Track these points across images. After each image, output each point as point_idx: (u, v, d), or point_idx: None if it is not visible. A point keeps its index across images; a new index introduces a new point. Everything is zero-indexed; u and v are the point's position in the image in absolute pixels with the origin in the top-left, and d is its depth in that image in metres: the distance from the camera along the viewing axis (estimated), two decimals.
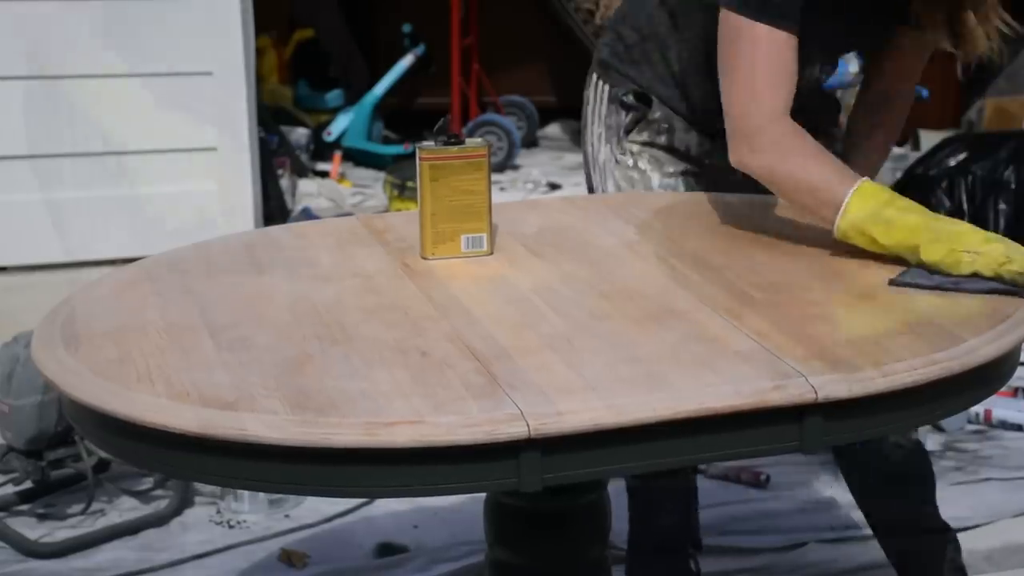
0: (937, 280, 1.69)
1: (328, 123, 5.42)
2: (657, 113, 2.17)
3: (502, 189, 5.17)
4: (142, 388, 1.45)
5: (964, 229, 1.71)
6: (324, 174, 5.23)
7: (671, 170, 2.18)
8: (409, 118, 5.82)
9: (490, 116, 5.44)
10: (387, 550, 2.63)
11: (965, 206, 3.85)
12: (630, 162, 2.19)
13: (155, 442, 1.43)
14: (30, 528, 2.72)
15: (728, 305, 1.67)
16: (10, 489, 2.83)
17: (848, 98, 4.72)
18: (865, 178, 1.77)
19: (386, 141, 5.57)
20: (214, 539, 2.69)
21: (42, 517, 2.78)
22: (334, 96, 5.61)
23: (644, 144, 2.19)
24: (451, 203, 1.83)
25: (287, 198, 4.71)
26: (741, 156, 1.86)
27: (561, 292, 1.73)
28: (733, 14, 1.83)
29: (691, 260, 1.84)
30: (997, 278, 1.67)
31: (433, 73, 5.56)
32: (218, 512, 2.77)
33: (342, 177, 5.23)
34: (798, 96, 1.89)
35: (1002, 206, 3.79)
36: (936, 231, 1.70)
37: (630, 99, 2.18)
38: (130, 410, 1.42)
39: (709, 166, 2.18)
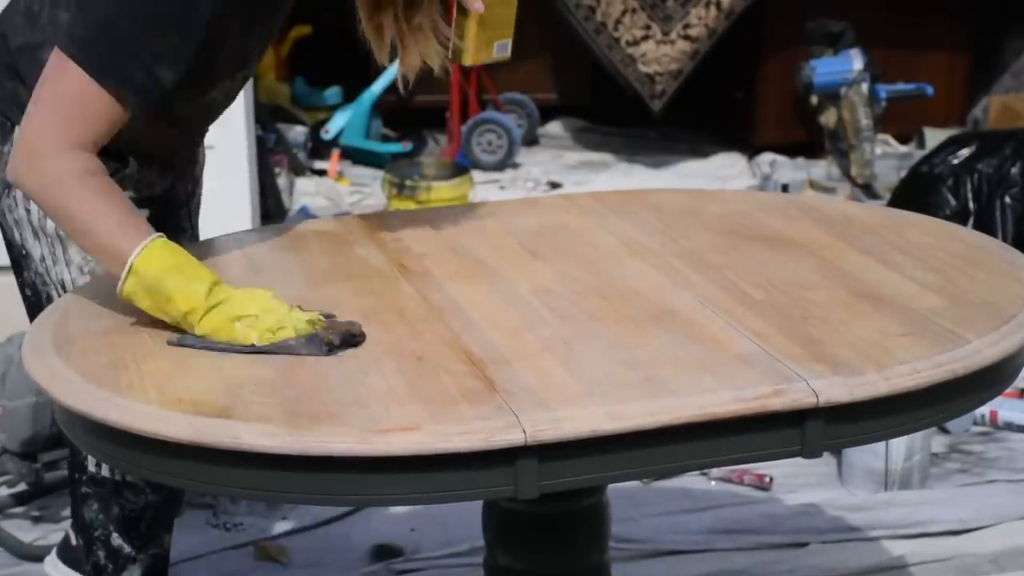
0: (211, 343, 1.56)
1: (326, 121, 5.40)
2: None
3: (502, 188, 5.15)
4: (134, 394, 1.43)
5: (243, 296, 1.57)
6: (322, 172, 5.20)
7: (141, 196, 1.89)
8: (408, 116, 5.80)
9: (490, 114, 5.41)
10: (383, 553, 2.61)
11: (971, 204, 3.83)
12: None
13: (147, 449, 1.41)
14: (24, 531, 2.70)
15: (728, 306, 1.65)
16: (4, 491, 2.81)
17: (851, 95, 4.70)
18: (156, 236, 1.60)
19: (385, 139, 5.54)
20: (210, 541, 2.67)
21: (36, 520, 2.76)
22: (332, 94, 5.58)
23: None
24: (492, 9, 1.77)
25: (284, 197, 4.69)
26: (19, 175, 1.64)
27: (559, 293, 1.71)
28: (71, 62, 1.61)
29: (691, 260, 1.82)
30: (273, 346, 1.53)
31: (432, 71, 5.54)
32: (214, 515, 2.75)
33: (340, 175, 5.21)
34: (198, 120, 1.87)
35: (1008, 203, 3.77)
36: (217, 299, 1.55)
37: None
38: (121, 417, 1.41)
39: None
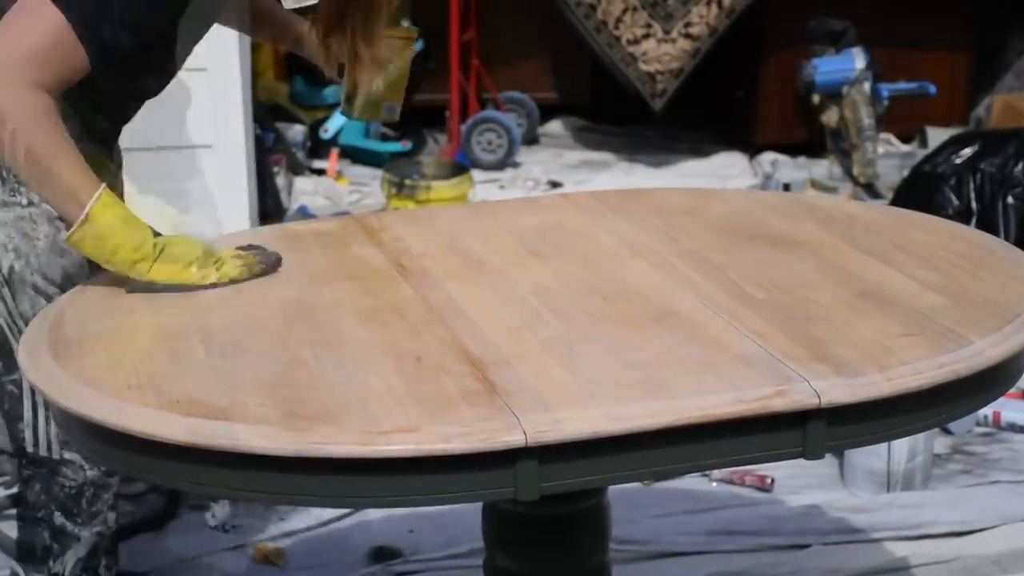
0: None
1: (325, 120, 5.39)
2: None
3: (502, 187, 5.15)
4: (131, 396, 1.42)
5: (178, 241, 1.72)
6: (321, 172, 5.20)
7: None
8: (407, 115, 5.79)
9: (490, 113, 5.41)
10: (382, 554, 2.60)
11: (973, 204, 3.82)
12: (23, 200, 1.89)
13: (145, 451, 1.40)
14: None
15: (729, 306, 1.64)
16: (0, 492, 2.80)
17: (853, 94, 4.69)
18: (104, 185, 1.69)
19: (384, 138, 5.53)
20: (208, 543, 2.66)
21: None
22: (331, 92, 5.57)
23: None
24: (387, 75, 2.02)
25: (283, 196, 4.68)
26: None
27: (560, 293, 1.70)
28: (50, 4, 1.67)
29: (692, 259, 1.81)
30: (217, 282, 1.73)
31: (432, 69, 5.53)
32: (212, 516, 2.74)
33: (339, 175, 5.20)
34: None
35: (1011, 203, 3.76)
36: (159, 248, 1.70)
37: None
38: (119, 419, 1.39)
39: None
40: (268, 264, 1.78)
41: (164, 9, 1.76)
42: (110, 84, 1.81)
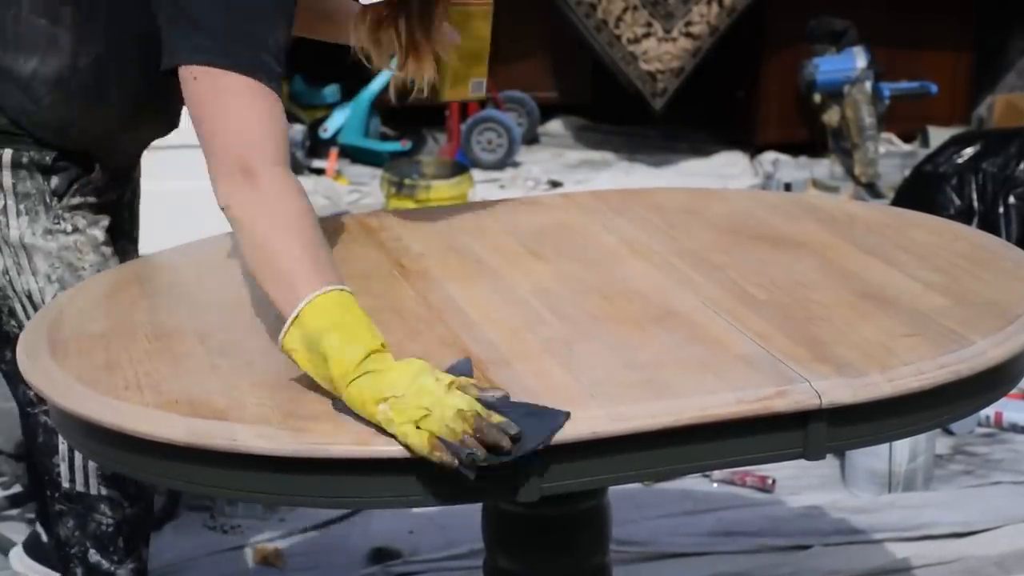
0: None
1: (324, 119, 5.38)
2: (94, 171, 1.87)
3: (502, 187, 5.14)
4: (130, 396, 1.42)
5: (396, 370, 1.36)
6: (320, 171, 5.19)
7: (106, 224, 1.89)
8: (407, 114, 5.78)
9: (490, 112, 5.40)
10: (381, 555, 2.60)
11: (975, 204, 3.81)
12: (67, 228, 1.83)
13: (144, 451, 1.40)
14: (19, 533, 2.67)
15: (730, 306, 1.64)
16: (0, 493, 2.80)
17: (854, 93, 4.69)
18: (333, 287, 1.43)
19: (383, 138, 5.52)
20: (207, 544, 2.66)
21: (31, 522, 2.74)
22: (330, 92, 5.56)
23: (77, 208, 1.85)
24: (466, 47, 1.91)
25: None
26: (233, 194, 1.53)
27: (560, 293, 1.70)
28: (215, 70, 1.56)
29: (693, 259, 1.81)
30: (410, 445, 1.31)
31: None
32: (211, 517, 2.74)
33: (338, 174, 5.19)
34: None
35: (1013, 203, 3.75)
36: (367, 368, 1.36)
37: (50, 160, 1.82)
38: (118, 420, 1.39)
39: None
40: (482, 453, 1.28)
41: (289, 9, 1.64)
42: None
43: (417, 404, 1.31)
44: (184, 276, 1.82)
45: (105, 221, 1.89)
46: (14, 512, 2.76)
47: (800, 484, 2.88)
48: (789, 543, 2.65)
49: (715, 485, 2.89)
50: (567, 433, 1.34)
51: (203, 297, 1.72)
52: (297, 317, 1.40)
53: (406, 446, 1.30)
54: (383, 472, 1.34)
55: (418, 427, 1.30)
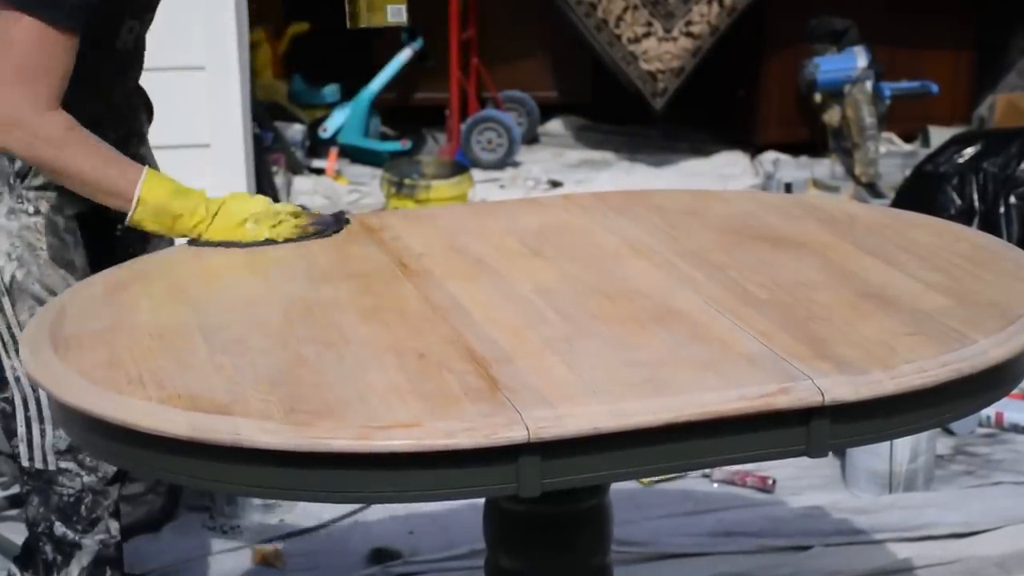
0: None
1: (324, 119, 5.39)
2: None
3: (502, 187, 5.14)
4: (133, 392, 1.42)
5: (234, 200, 1.86)
6: (320, 171, 5.19)
7: (71, 212, 1.97)
8: (407, 114, 5.79)
9: (490, 112, 5.40)
10: (381, 556, 2.59)
11: (976, 204, 3.81)
12: (29, 209, 1.93)
13: (146, 446, 1.40)
14: (19, 534, 2.67)
15: (732, 305, 1.64)
16: None
17: (855, 93, 4.69)
18: (146, 168, 1.85)
19: (383, 137, 5.53)
20: (206, 544, 2.65)
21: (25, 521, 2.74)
22: (330, 91, 5.57)
23: (41, 188, 1.94)
24: None
25: (282, 196, 4.68)
26: (4, 143, 1.81)
27: (562, 292, 1.70)
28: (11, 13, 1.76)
29: (694, 258, 1.81)
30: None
31: (432, 67, 5.53)
32: (211, 517, 2.73)
33: (338, 174, 5.20)
34: (114, 70, 1.96)
35: (1014, 203, 3.76)
36: (215, 208, 1.85)
37: None
38: (121, 414, 1.39)
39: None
40: (324, 226, 1.89)
41: None
42: (90, 60, 1.84)
43: (274, 214, 1.87)
44: (186, 273, 1.82)
45: (74, 210, 1.95)
46: (13, 512, 2.76)
47: (801, 484, 2.88)
48: (790, 544, 2.65)
49: (715, 485, 2.89)
50: (569, 428, 1.34)
51: (205, 294, 1.72)
52: (139, 199, 1.82)
53: (281, 240, 1.86)
54: (385, 467, 1.34)
55: (273, 228, 1.86)
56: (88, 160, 1.82)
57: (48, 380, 1.48)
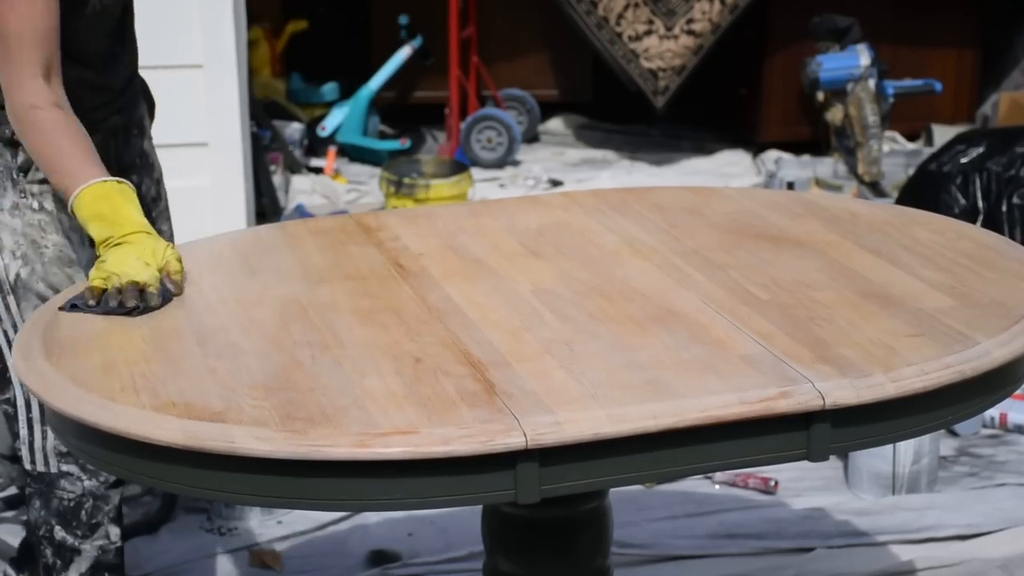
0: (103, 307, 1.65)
1: (322, 117, 5.37)
2: None
3: (502, 186, 5.12)
4: (126, 399, 1.40)
5: (119, 252, 1.69)
6: (318, 170, 5.17)
7: None
8: (406, 112, 5.77)
9: (490, 110, 5.38)
10: (380, 558, 2.58)
11: (980, 203, 3.79)
12: (34, 205, 1.91)
13: (141, 454, 1.38)
14: (14, 535, 2.66)
15: (732, 306, 1.62)
16: None
17: (858, 91, 4.67)
18: (93, 181, 1.73)
19: (382, 136, 5.51)
20: (204, 546, 2.64)
21: (27, 524, 2.73)
22: (329, 90, 5.55)
23: (44, 182, 1.90)
24: None
25: (280, 195, 4.66)
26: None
27: (560, 293, 1.68)
28: None
29: (694, 259, 1.79)
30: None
31: (431, 66, 5.51)
32: (208, 519, 2.72)
33: (337, 173, 5.18)
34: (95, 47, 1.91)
35: (1017, 202, 3.74)
36: (106, 249, 1.70)
37: (11, 133, 1.90)
38: (114, 422, 1.38)
39: None
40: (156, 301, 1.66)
41: None
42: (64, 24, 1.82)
43: (107, 271, 1.67)
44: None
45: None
46: (9, 514, 2.74)
47: (803, 486, 2.87)
48: (792, 545, 2.64)
49: (717, 487, 2.87)
50: (568, 434, 1.32)
51: (200, 298, 1.70)
52: (73, 205, 1.73)
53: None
54: (382, 474, 1.33)
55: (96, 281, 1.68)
56: (48, 147, 1.76)
57: (40, 387, 1.46)
